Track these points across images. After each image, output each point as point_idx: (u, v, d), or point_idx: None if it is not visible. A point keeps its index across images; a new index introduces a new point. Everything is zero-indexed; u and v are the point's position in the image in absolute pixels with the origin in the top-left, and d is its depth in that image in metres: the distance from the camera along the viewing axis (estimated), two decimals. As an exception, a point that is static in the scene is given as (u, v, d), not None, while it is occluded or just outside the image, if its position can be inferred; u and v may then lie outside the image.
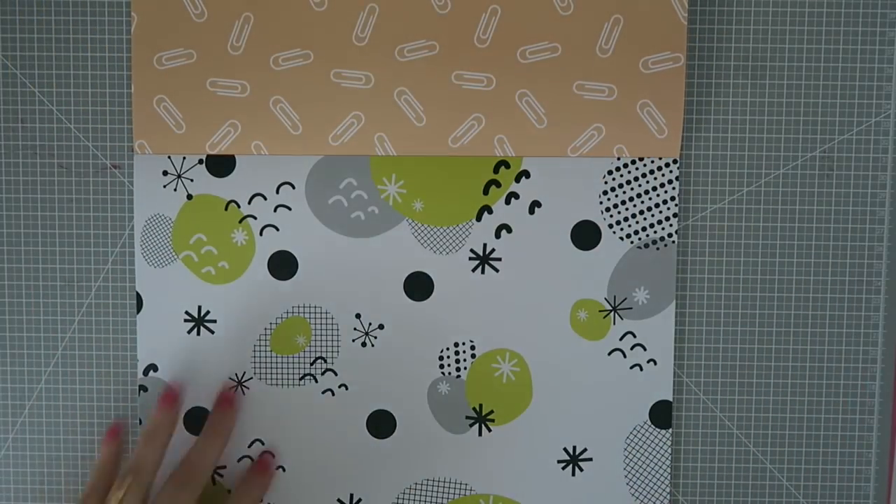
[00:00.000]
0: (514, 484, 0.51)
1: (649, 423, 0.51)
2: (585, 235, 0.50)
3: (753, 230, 0.51)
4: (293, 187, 0.50)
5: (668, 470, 0.51)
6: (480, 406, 0.51)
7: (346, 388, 0.51)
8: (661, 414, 0.51)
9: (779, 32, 0.50)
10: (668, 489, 0.52)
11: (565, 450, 0.51)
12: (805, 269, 0.51)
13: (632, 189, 0.50)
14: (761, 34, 0.50)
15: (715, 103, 0.51)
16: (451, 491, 0.52)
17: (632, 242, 0.50)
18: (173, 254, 0.51)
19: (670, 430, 0.51)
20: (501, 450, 0.51)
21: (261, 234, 0.51)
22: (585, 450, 0.51)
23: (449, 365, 0.51)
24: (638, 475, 0.51)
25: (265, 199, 0.51)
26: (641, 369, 0.51)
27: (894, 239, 0.51)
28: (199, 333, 0.51)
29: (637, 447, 0.51)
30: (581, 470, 0.51)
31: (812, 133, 0.51)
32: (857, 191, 0.51)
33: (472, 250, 0.50)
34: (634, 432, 0.51)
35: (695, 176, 0.51)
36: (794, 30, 0.50)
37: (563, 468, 0.51)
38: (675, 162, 0.50)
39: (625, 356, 0.51)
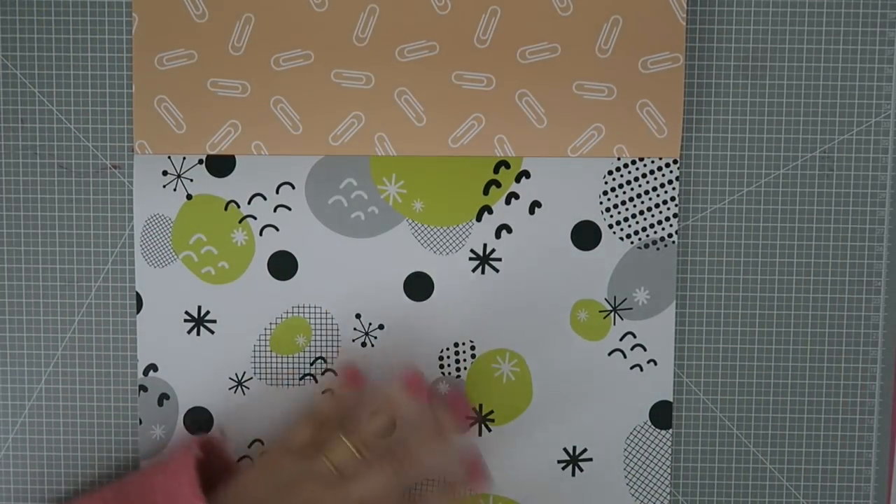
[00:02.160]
0: (515, 484, 0.51)
1: (649, 423, 0.51)
2: (585, 236, 0.50)
3: (753, 230, 0.51)
4: (293, 187, 0.50)
5: (669, 470, 0.51)
6: (480, 406, 0.51)
7: None
8: (661, 414, 0.51)
9: (778, 32, 0.50)
10: (668, 490, 0.51)
11: (565, 450, 0.51)
12: (805, 269, 0.51)
13: (632, 189, 0.50)
14: (761, 34, 0.50)
15: (714, 103, 0.51)
16: None
17: (632, 243, 0.50)
18: (173, 254, 0.51)
19: (671, 431, 0.51)
20: (501, 450, 0.51)
21: (260, 234, 0.51)
22: (585, 450, 0.51)
23: (449, 365, 0.51)
24: (638, 475, 0.51)
25: (265, 199, 0.51)
26: (642, 370, 0.51)
27: (894, 239, 0.51)
28: (199, 334, 0.51)
29: (637, 447, 0.51)
30: (581, 470, 0.51)
31: (812, 133, 0.51)
32: (857, 191, 0.51)
33: (472, 250, 0.50)
34: (634, 433, 0.51)
35: (695, 176, 0.51)
36: (793, 30, 0.50)
37: (564, 468, 0.51)
38: (675, 162, 0.50)
39: (625, 356, 0.51)
